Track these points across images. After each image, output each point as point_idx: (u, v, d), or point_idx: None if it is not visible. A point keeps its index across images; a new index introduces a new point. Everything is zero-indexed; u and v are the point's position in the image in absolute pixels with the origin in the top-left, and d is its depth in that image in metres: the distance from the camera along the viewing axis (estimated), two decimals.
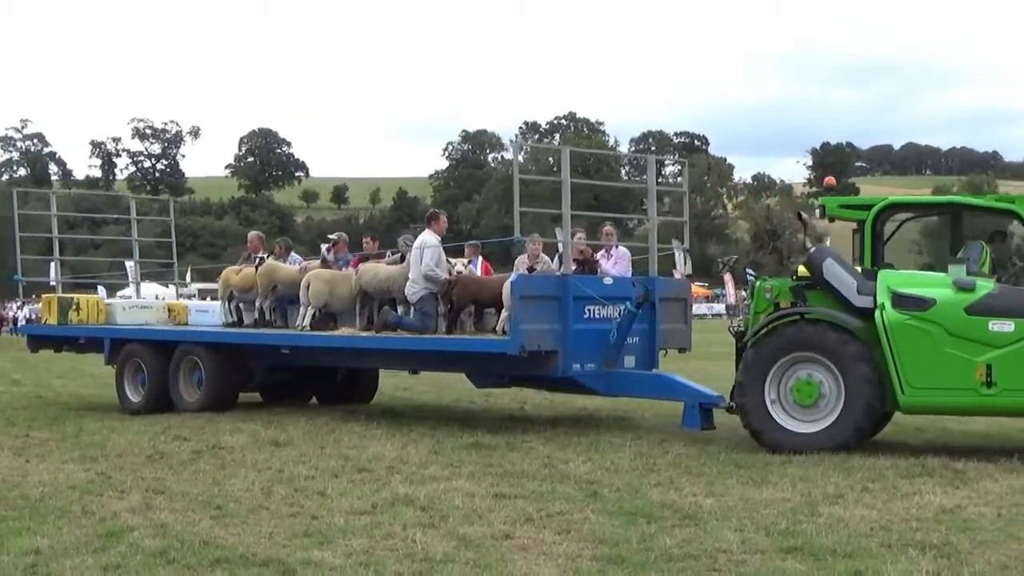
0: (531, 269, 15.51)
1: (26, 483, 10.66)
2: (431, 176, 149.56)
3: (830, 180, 13.92)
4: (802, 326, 12.78)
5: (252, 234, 20.05)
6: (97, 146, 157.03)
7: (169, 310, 19.57)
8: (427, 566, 7.47)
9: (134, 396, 17.74)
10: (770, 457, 12.05)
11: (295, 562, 7.55)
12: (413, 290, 15.14)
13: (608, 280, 14.89)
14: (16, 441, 13.66)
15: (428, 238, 15.17)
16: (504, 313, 14.45)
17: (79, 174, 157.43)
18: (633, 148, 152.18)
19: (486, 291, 15.25)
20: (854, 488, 10.27)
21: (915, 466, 11.40)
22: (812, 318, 12.78)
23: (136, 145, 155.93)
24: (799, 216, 13.44)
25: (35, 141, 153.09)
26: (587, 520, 8.91)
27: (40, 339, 19.89)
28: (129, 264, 27.81)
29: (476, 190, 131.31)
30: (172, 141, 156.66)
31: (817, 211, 13.57)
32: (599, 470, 11.29)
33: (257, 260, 18.19)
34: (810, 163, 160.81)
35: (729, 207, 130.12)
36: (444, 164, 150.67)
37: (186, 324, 19.03)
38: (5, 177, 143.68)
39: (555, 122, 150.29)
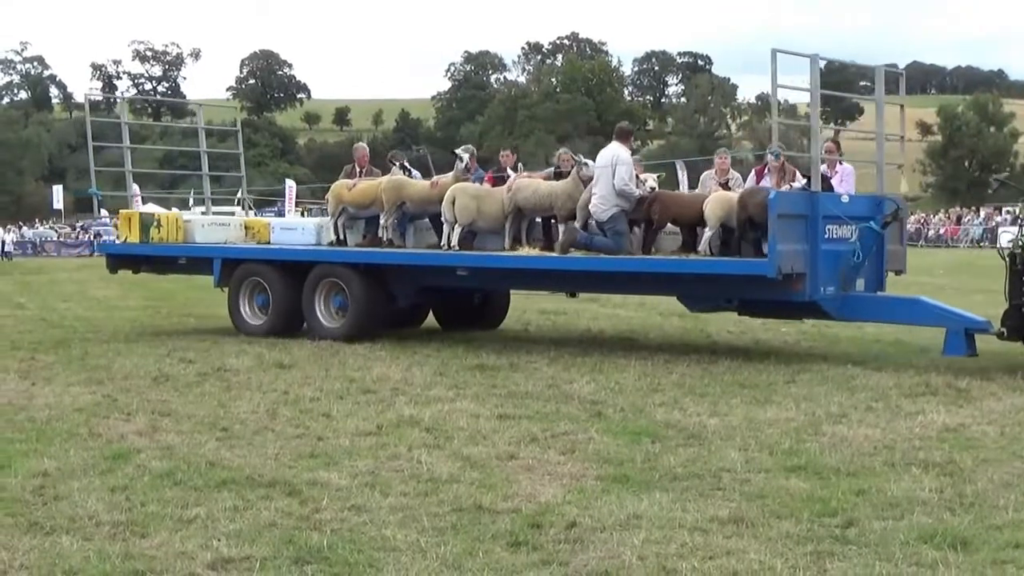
0: (724, 185, 14.73)
1: (32, 406, 10.70)
2: (433, 97, 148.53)
3: None
4: None
5: (359, 146, 18.72)
6: (98, 68, 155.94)
7: (246, 227, 18.38)
8: (432, 486, 7.51)
9: (253, 319, 16.63)
10: (774, 377, 12.07)
11: (301, 483, 7.59)
12: (603, 208, 14.07)
13: (845, 198, 13.84)
14: (22, 364, 13.68)
15: (621, 152, 14.18)
16: (707, 232, 13.77)
17: (79, 97, 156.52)
18: (636, 68, 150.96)
19: (687, 209, 14.19)
20: (858, 407, 10.31)
21: (919, 385, 11.44)
22: None
23: (137, 67, 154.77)
24: None
25: (35, 64, 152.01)
26: (591, 440, 8.96)
27: (121, 259, 18.62)
28: (133, 186, 27.54)
29: (478, 111, 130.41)
30: (173, 63, 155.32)
31: None
32: (603, 390, 11.33)
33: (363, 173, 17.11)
34: None
35: (733, 127, 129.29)
36: (446, 85, 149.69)
37: (268, 242, 17.67)
38: (5, 100, 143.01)
39: (558, 42, 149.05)
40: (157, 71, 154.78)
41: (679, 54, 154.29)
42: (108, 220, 27.26)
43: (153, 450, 8.69)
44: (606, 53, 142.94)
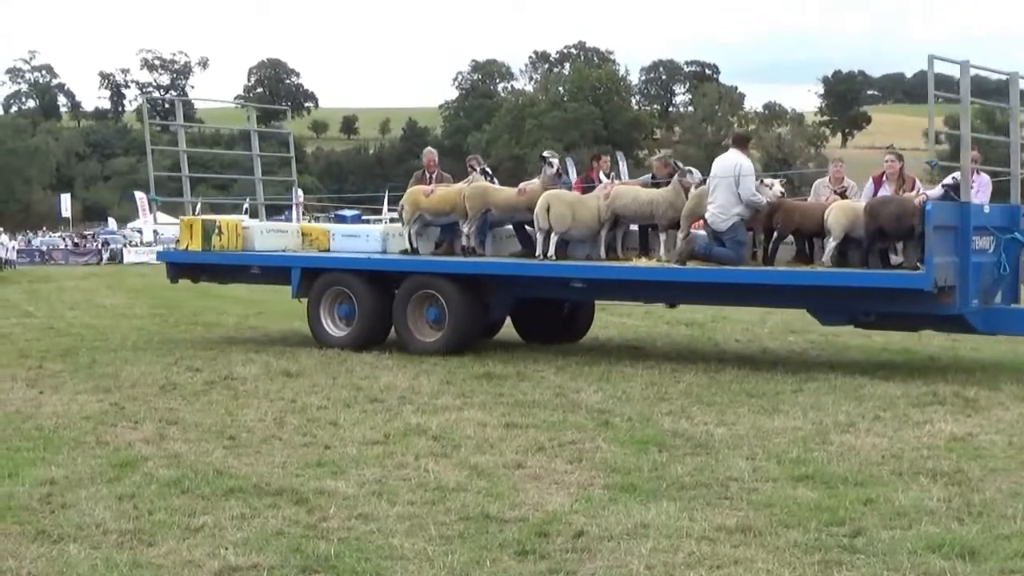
0: (840, 194, 14.24)
1: (40, 414, 10.71)
2: (441, 106, 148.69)
3: None
4: None
5: (428, 150, 18.04)
6: (106, 77, 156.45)
7: (304, 234, 17.89)
8: (439, 495, 7.51)
9: (335, 330, 15.93)
10: (781, 386, 12.06)
11: (308, 491, 7.59)
12: (722, 217, 13.69)
13: (986, 208, 13.42)
14: (30, 372, 13.69)
15: (743, 160, 13.87)
16: (831, 242, 13.36)
17: (88, 105, 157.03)
18: (644, 77, 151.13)
19: (809, 218, 13.87)
20: (865, 417, 10.30)
21: (927, 394, 11.42)
22: None
23: (145, 76, 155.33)
24: None
25: (43, 72, 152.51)
26: (599, 449, 8.95)
27: (182, 268, 17.93)
28: (139, 195, 27.60)
29: (486, 120, 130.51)
30: (181, 72, 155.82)
31: None
32: (610, 399, 11.32)
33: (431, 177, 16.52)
34: (821, 92, 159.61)
35: None
36: (454, 94, 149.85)
37: (328, 250, 17.24)
38: (14, 109, 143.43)
39: (565, 51, 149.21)
40: (165, 80, 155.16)
41: (686, 63, 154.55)
42: (115, 229, 27.42)
43: (160, 458, 8.69)
44: (613, 62, 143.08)
